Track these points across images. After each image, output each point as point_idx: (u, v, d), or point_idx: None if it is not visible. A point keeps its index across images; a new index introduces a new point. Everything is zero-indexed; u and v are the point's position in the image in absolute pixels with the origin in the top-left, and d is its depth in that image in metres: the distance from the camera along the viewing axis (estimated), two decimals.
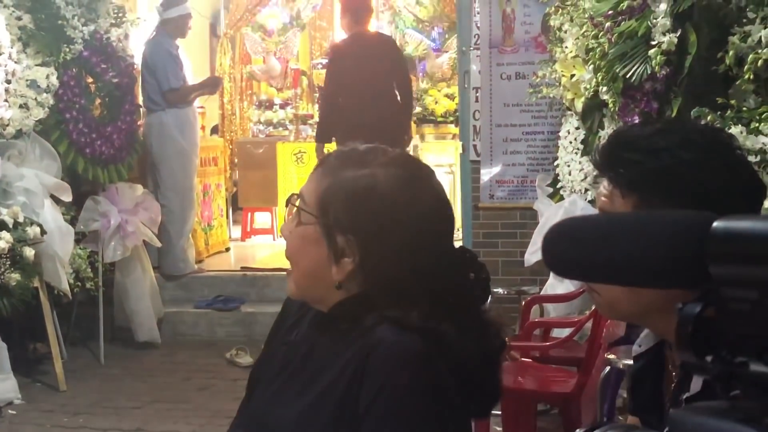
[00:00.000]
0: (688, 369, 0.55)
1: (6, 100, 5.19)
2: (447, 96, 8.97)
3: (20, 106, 5.32)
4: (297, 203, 1.52)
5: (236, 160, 9.56)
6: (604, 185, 1.31)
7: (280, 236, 1.55)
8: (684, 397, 1.20)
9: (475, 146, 6.29)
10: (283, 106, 10.09)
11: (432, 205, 1.50)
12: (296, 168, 8.43)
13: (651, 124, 1.31)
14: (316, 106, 10.01)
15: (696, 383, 1.20)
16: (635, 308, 1.29)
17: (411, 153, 8.37)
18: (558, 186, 5.39)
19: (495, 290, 5.35)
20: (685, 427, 0.53)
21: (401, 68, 6.86)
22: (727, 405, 0.52)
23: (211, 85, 7.55)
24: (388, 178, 1.48)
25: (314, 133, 8.80)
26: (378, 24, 9.93)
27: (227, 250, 8.36)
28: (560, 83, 5.07)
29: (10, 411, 5.04)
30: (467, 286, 1.49)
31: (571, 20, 4.74)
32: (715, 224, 0.52)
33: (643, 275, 0.60)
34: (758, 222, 0.50)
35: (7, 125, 5.23)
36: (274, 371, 1.58)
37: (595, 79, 4.42)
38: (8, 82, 5.22)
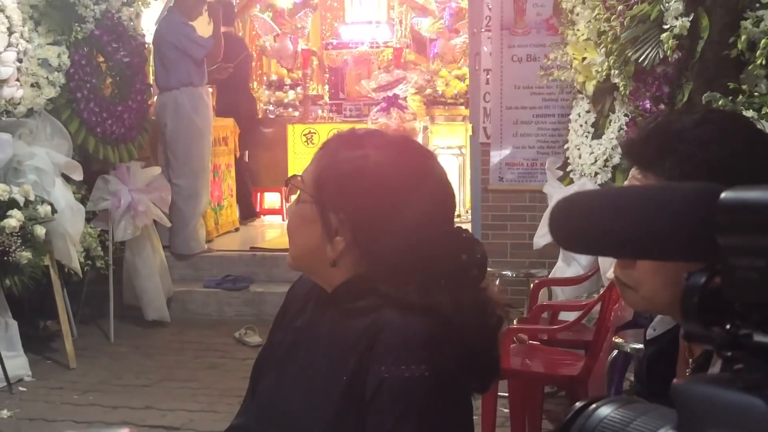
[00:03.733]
0: (693, 340, 0.55)
1: (17, 80, 5.21)
2: (457, 77, 8.94)
3: (31, 85, 5.34)
4: (297, 183, 1.57)
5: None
6: (639, 177, 1.30)
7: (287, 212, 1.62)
8: None
9: (485, 128, 6.28)
10: (293, 87, 10.07)
11: (431, 188, 1.51)
12: (306, 149, 8.41)
13: (688, 114, 1.30)
14: (327, 87, 10.00)
15: (714, 369, 1.20)
16: (675, 300, 1.28)
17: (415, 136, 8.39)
18: (568, 169, 5.38)
19: (503, 273, 5.36)
20: (687, 396, 0.53)
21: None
22: (730, 375, 0.53)
23: (216, 11, 7.64)
24: (380, 159, 1.50)
25: (322, 114, 8.85)
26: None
27: (237, 230, 8.38)
28: (571, 66, 5.06)
29: (20, 388, 5.08)
30: (463, 266, 1.50)
31: (583, 3, 4.73)
32: (723, 194, 0.53)
33: (651, 247, 0.61)
34: (766, 191, 0.51)
35: (19, 104, 5.25)
36: (280, 358, 1.60)
37: (606, 63, 4.41)
38: (20, 61, 5.23)
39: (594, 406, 0.62)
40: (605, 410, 0.61)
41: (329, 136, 1.66)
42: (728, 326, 0.53)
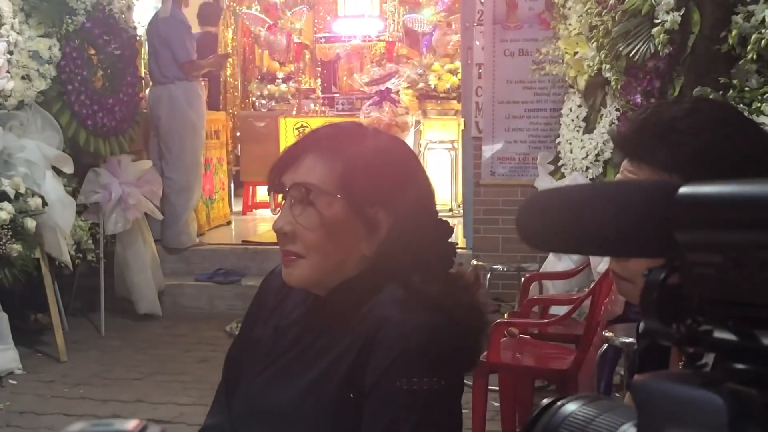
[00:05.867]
0: (653, 337, 0.55)
1: (8, 71, 5.19)
2: (450, 72, 8.93)
3: (22, 78, 5.31)
4: (317, 190, 1.46)
5: (238, 134, 9.55)
6: (631, 169, 1.30)
7: (281, 230, 1.48)
8: None
9: (477, 123, 6.29)
10: (285, 80, 10.06)
11: (423, 169, 1.57)
12: None
13: (678, 104, 1.30)
14: (319, 81, 10.00)
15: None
16: None
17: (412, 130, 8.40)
18: (559, 164, 5.39)
19: (495, 267, 5.37)
20: (646, 392, 0.54)
21: None
22: (689, 372, 0.53)
23: (219, 63, 7.67)
24: (389, 143, 1.53)
25: (315, 108, 8.84)
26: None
27: (228, 223, 8.38)
28: (563, 60, 5.06)
29: (11, 381, 5.07)
30: (449, 252, 1.53)
31: None
32: (680, 190, 0.53)
33: (611, 245, 0.61)
34: (722, 186, 0.50)
35: (9, 96, 5.23)
36: (261, 356, 1.57)
37: (598, 57, 4.41)
38: (10, 53, 5.21)
39: (560, 403, 0.62)
40: (571, 407, 0.62)
41: (305, 137, 1.57)
42: (688, 322, 0.53)
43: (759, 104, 3.53)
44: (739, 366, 0.50)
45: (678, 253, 0.52)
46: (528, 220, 0.65)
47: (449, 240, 1.53)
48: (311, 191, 1.45)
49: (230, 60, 9.67)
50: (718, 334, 0.51)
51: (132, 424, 0.65)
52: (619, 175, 1.35)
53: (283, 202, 1.50)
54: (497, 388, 4.01)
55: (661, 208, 0.53)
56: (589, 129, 4.99)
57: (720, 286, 0.50)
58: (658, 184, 0.56)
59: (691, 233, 0.52)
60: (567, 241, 0.64)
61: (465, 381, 1.53)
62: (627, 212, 0.56)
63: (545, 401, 0.64)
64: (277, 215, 1.50)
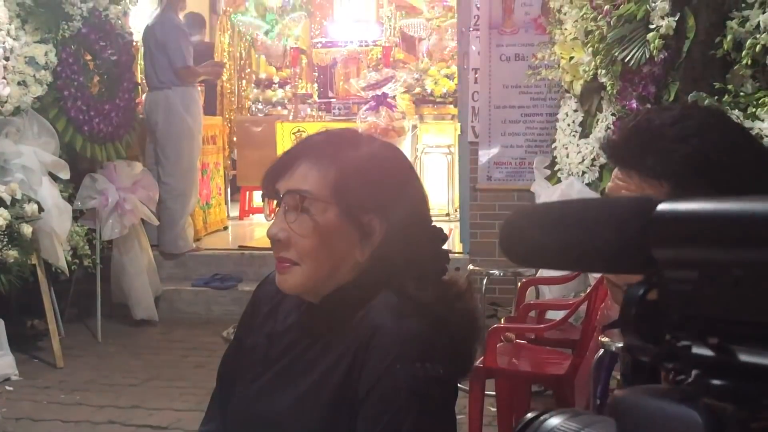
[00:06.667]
0: (632, 352, 0.56)
1: (4, 77, 5.19)
2: (447, 76, 8.94)
3: (18, 83, 5.31)
4: (311, 196, 1.46)
5: (234, 139, 9.56)
6: (621, 177, 1.30)
7: (275, 236, 1.47)
8: None
9: (473, 127, 6.29)
10: (282, 85, 10.07)
11: (416, 175, 1.58)
12: None
13: (666, 111, 1.30)
14: (316, 86, 10.00)
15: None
16: None
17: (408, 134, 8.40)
18: (555, 168, 5.39)
19: (491, 272, 5.36)
20: (625, 407, 0.54)
21: None
22: (668, 387, 0.53)
23: (215, 71, 7.67)
24: (383, 149, 1.53)
25: (311, 113, 8.84)
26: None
27: (225, 228, 8.38)
28: (559, 65, 5.07)
29: (7, 387, 5.07)
30: (442, 258, 1.53)
31: (571, 2, 4.73)
32: (658, 207, 0.53)
33: (591, 261, 0.61)
34: (699, 203, 0.51)
35: (5, 102, 5.23)
36: (255, 363, 1.58)
37: (593, 62, 4.42)
38: (6, 59, 5.21)
39: (543, 417, 0.63)
40: (554, 421, 0.62)
41: (299, 143, 1.57)
42: (667, 338, 0.53)
43: (754, 109, 3.54)
44: (716, 381, 0.50)
45: (656, 270, 0.53)
46: (511, 236, 0.65)
47: (443, 247, 1.54)
48: (305, 198, 1.45)
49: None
50: (696, 350, 0.51)
51: None
52: (610, 183, 1.35)
53: (278, 208, 1.50)
54: (494, 393, 4.01)
55: (639, 225, 0.54)
56: (585, 134, 4.99)
57: (697, 302, 0.50)
58: (638, 200, 0.57)
59: (668, 250, 0.52)
60: (548, 258, 0.65)
61: (461, 386, 1.54)
62: (606, 229, 0.57)
63: (529, 416, 0.64)
64: (272, 221, 1.51)
